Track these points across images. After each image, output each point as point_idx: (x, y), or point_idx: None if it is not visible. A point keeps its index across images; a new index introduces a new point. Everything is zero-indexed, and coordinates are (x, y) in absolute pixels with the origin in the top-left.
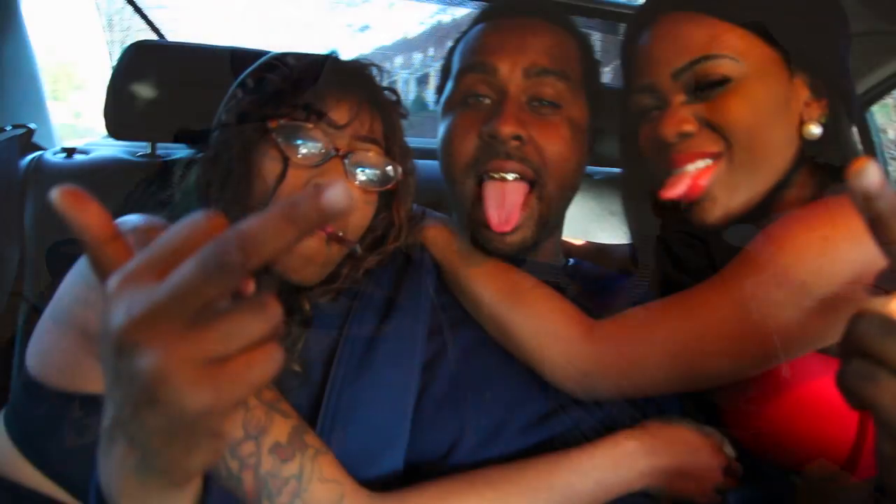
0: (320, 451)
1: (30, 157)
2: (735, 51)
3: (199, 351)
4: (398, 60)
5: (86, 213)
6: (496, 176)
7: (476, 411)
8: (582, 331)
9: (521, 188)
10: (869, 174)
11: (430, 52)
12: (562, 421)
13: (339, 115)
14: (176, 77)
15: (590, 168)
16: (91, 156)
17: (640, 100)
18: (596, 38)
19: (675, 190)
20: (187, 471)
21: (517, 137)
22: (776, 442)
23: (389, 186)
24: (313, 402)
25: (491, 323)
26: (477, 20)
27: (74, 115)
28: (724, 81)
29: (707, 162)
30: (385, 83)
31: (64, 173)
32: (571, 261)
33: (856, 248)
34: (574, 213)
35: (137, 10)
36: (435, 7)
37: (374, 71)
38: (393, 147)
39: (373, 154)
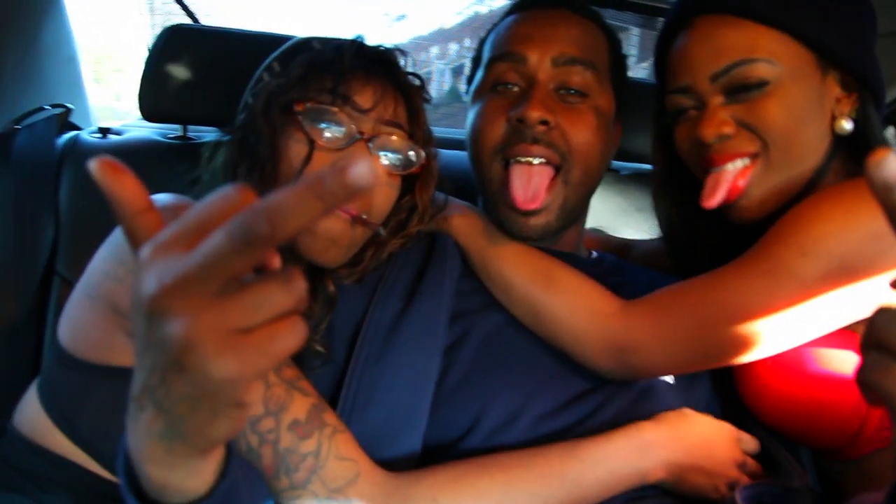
0: (338, 430)
1: (66, 136)
2: (772, 54)
3: (226, 320)
4: (434, 50)
5: (121, 184)
6: (523, 160)
7: (494, 397)
8: (618, 307)
9: (547, 171)
10: (888, 164)
11: (467, 42)
12: (580, 410)
13: (364, 99)
14: (209, 61)
15: (616, 163)
16: (125, 136)
17: (676, 100)
18: (634, 33)
19: (715, 198)
20: (210, 439)
21: (544, 122)
22: (790, 412)
23: (413, 170)
24: (336, 382)
25: (523, 305)
26: (508, 12)
27: (115, 97)
28: (761, 84)
29: (745, 161)
30: (420, 72)
31: (98, 152)
32: (595, 254)
33: (878, 222)
34: (600, 209)
35: None
36: None
37: (399, 56)
38: (417, 132)
39: (396, 138)
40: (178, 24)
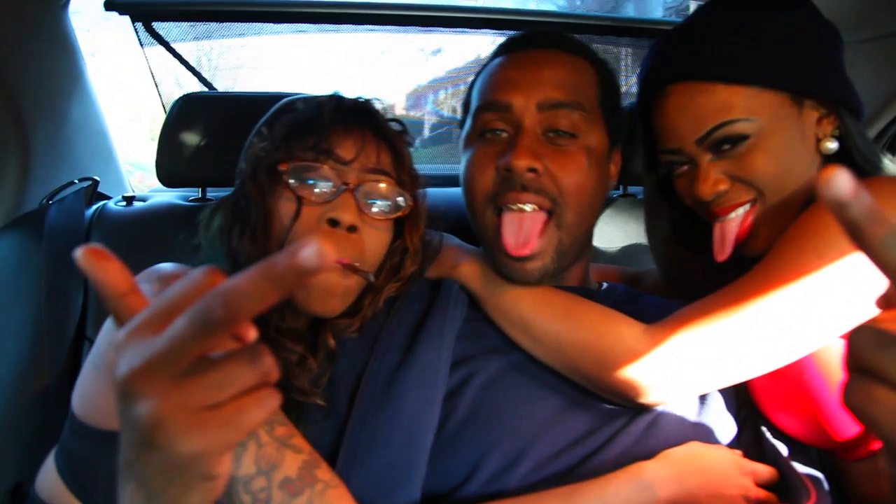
0: (330, 485)
1: (95, 206)
2: (748, 111)
3: (192, 399)
4: (472, 80)
5: (105, 270)
6: (514, 207)
7: (493, 443)
8: (642, 330)
9: (540, 217)
10: (837, 182)
11: None
12: (581, 451)
13: (346, 150)
14: (222, 125)
15: (633, 188)
16: (147, 203)
17: (668, 158)
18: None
19: (726, 251)
20: None
21: (532, 170)
22: (792, 412)
23: (400, 213)
24: (338, 435)
25: (544, 342)
26: (494, 54)
27: None
28: (744, 138)
29: (746, 208)
30: (447, 105)
31: (122, 220)
32: (605, 285)
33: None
34: (618, 235)
35: (184, 62)
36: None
37: (378, 105)
38: (402, 175)
39: (382, 184)
40: (190, 93)
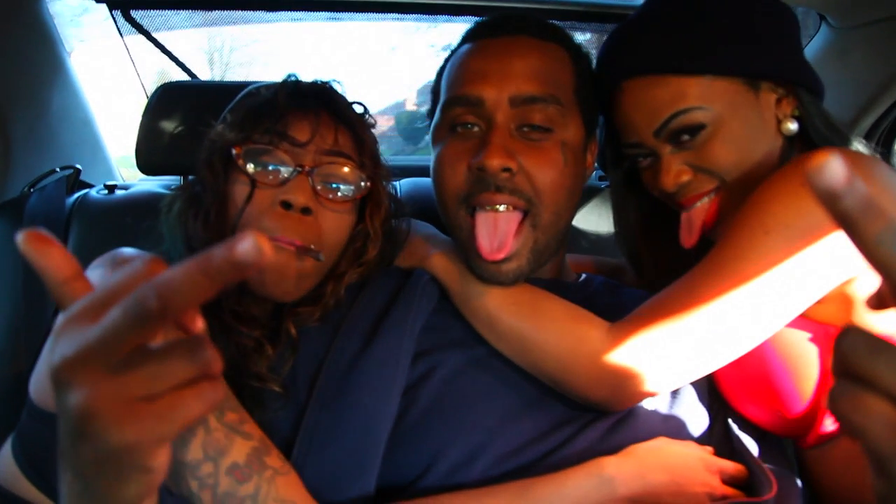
0: (279, 472)
1: (76, 194)
2: (700, 100)
3: (125, 390)
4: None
5: (48, 255)
6: (488, 208)
7: (452, 436)
8: (605, 330)
9: (514, 217)
10: (829, 170)
11: None
12: (544, 446)
13: (300, 133)
14: (200, 113)
15: None
16: (129, 191)
17: (631, 152)
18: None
19: (693, 237)
20: (122, 501)
21: (506, 170)
22: (749, 398)
23: (357, 196)
24: (296, 424)
25: (508, 339)
26: (463, 40)
27: None
28: (700, 128)
29: (710, 196)
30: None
31: (103, 208)
32: (584, 276)
33: None
34: (602, 224)
35: (166, 52)
36: None
37: (337, 87)
38: (363, 158)
39: (339, 167)
40: (169, 82)
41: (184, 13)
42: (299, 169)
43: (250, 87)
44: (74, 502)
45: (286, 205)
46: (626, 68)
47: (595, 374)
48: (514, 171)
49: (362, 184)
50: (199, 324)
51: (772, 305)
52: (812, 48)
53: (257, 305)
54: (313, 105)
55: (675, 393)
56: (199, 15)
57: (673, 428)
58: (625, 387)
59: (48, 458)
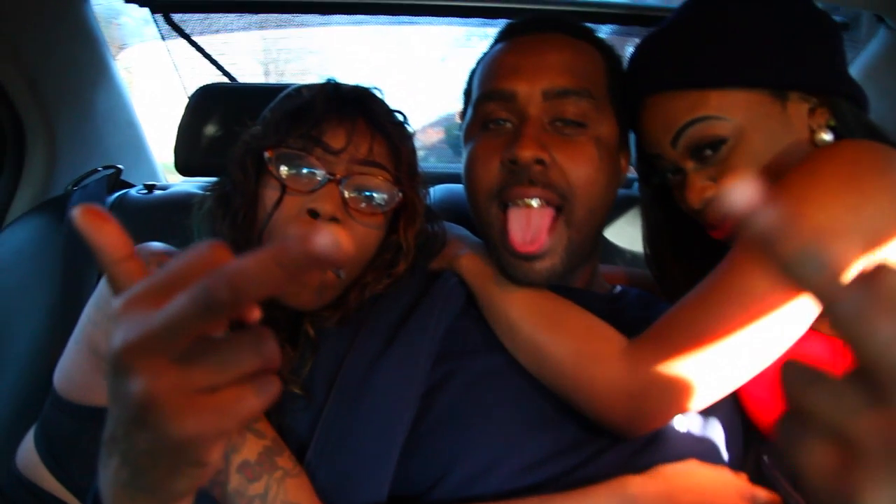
0: (290, 474)
1: (116, 193)
2: (719, 110)
3: (188, 381)
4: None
5: (103, 232)
6: (520, 202)
7: (468, 445)
8: (621, 349)
9: (548, 213)
10: (739, 194)
11: None
12: (567, 462)
13: (335, 140)
14: (239, 115)
15: None
16: (167, 191)
17: (656, 164)
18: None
19: (725, 231)
20: (171, 493)
21: (540, 161)
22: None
23: (389, 209)
24: (313, 425)
25: (526, 350)
26: (496, 40)
27: None
28: (721, 142)
29: None
30: None
31: (141, 207)
32: (618, 288)
33: (853, 196)
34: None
35: (206, 55)
36: None
37: (377, 94)
38: (399, 169)
39: (372, 177)
40: (208, 84)
41: (228, 17)
42: (330, 177)
43: (291, 88)
44: (119, 491)
45: (313, 213)
46: (648, 84)
47: (609, 395)
48: (547, 163)
49: (396, 196)
50: (257, 315)
51: (795, 313)
52: (869, 52)
53: (277, 307)
54: (350, 111)
55: (706, 415)
56: (242, 18)
57: (704, 451)
58: (641, 409)
59: (69, 448)
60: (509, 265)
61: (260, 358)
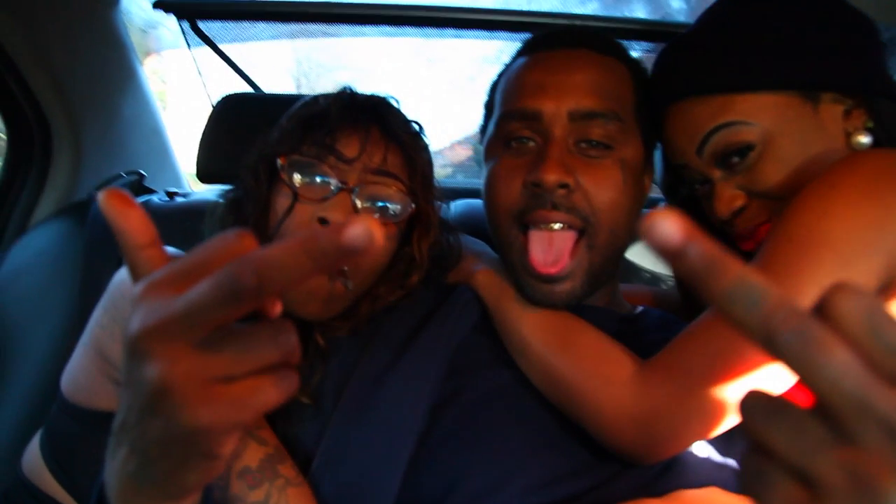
0: (291, 483)
1: (138, 199)
2: (743, 114)
3: (206, 369)
4: (494, 80)
5: (127, 217)
6: (542, 226)
7: (475, 462)
8: (631, 373)
9: (570, 236)
10: (662, 228)
11: None
12: (579, 484)
13: (349, 149)
14: (262, 124)
15: None
16: (188, 199)
17: (683, 174)
18: None
19: (756, 242)
20: (180, 486)
21: (564, 185)
22: None
23: (401, 220)
24: (320, 435)
25: (537, 370)
26: (519, 52)
27: None
28: (748, 148)
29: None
30: None
31: (162, 213)
32: (640, 308)
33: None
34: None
35: (230, 63)
36: None
37: (393, 103)
38: (413, 180)
39: (384, 188)
40: (232, 94)
41: (258, 26)
42: (342, 186)
43: (309, 97)
44: (125, 482)
45: (323, 222)
46: (671, 91)
47: (617, 419)
48: (571, 187)
49: (409, 206)
50: (279, 307)
51: None
52: None
53: (286, 316)
54: (365, 120)
55: (729, 437)
56: (272, 27)
57: (725, 478)
58: (649, 435)
59: (73, 452)
60: (528, 286)
61: (280, 350)
